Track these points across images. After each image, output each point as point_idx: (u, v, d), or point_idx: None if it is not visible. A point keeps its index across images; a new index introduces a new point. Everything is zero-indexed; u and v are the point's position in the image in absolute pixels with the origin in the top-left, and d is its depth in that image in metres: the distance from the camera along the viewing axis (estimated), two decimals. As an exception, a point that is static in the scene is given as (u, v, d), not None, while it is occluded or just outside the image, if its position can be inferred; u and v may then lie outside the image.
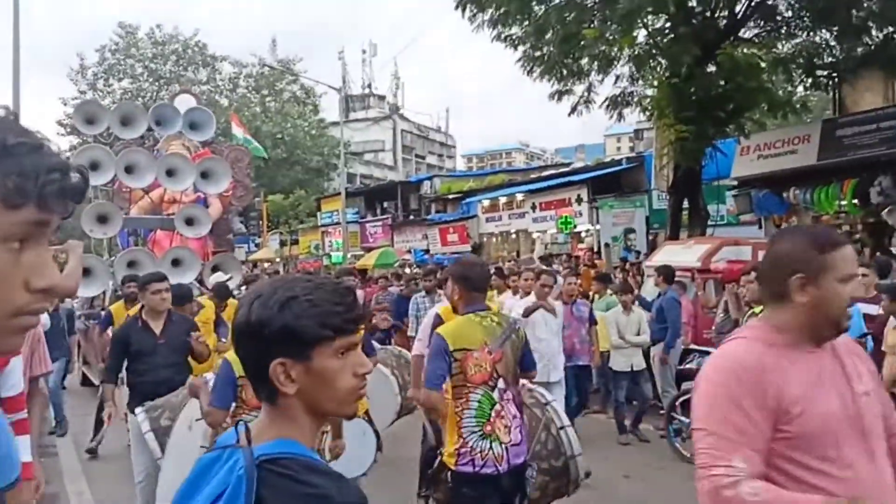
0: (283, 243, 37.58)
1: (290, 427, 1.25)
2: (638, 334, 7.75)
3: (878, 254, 10.29)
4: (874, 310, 6.12)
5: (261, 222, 36.66)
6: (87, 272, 9.28)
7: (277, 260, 34.00)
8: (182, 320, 5.33)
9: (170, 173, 10.45)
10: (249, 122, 35.95)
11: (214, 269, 10.07)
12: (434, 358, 3.45)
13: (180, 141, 11.93)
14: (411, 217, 30.53)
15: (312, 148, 42.36)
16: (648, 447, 7.42)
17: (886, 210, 11.75)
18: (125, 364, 5.13)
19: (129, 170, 10.33)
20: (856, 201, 12.34)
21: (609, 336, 7.81)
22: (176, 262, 9.90)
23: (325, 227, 34.17)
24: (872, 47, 11.94)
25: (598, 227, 19.49)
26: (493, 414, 3.40)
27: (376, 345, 6.25)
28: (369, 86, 57.94)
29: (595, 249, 19.00)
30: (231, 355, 3.48)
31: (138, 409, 4.73)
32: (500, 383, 3.45)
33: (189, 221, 10.56)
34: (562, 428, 4.33)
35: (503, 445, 3.39)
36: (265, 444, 1.20)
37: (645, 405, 7.88)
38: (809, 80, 13.24)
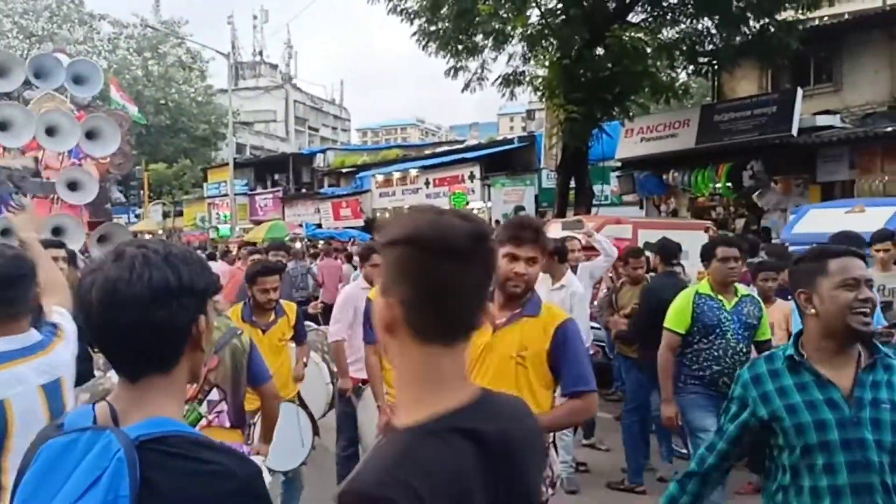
0: (166, 214, 35.86)
1: (166, 403, 1.13)
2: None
3: (749, 235, 10.91)
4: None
5: (142, 192, 34.79)
6: None
7: (160, 232, 32.35)
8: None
9: (50, 132, 9.32)
10: (130, 85, 33.91)
11: (101, 240, 9.21)
12: None
13: (54, 103, 10.84)
14: (303, 190, 29.82)
15: (199, 115, 40.48)
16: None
17: (757, 193, 12.49)
18: None
19: (2, 126, 9.16)
20: (729, 184, 13.03)
21: None
22: (57, 231, 8.82)
23: (212, 199, 32.85)
24: (750, 37, 12.57)
25: (489, 204, 19.71)
26: (197, 429, 3.07)
27: (310, 324, 5.84)
28: (260, 53, 55.82)
29: (486, 226, 19.22)
30: None
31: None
32: (214, 394, 3.06)
33: (72, 186, 9.49)
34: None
35: None
36: (137, 424, 1.07)
37: None
38: (691, 67, 13.81)
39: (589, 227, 6.48)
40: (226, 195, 29.68)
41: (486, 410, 1.07)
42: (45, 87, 10.49)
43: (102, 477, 1.01)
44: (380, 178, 24.33)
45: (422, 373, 1.06)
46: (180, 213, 35.63)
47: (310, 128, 55.22)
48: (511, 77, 13.66)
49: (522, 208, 18.80)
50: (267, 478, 2.87)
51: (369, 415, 4.45)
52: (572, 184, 13.41)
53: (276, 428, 3.77)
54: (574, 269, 6.06)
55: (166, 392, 1.14)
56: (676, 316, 4.28)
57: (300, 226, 25.55)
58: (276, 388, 3.39)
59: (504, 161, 20.05)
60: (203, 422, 2.98)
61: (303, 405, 4.49)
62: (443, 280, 1.03)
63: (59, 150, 9.85)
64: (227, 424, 3.09)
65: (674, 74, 13.96)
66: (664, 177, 14.13)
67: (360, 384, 4.63)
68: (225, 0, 78.26)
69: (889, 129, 11.22)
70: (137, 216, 34.48)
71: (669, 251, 5.63)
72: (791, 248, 6.63)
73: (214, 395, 3.07)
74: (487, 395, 1.10)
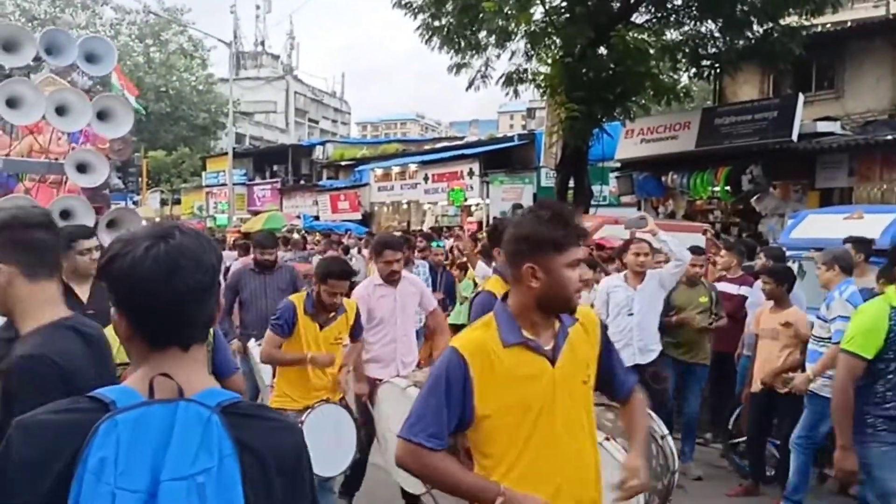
0: (164, 202, 35.79)
1: (206, 373, 1.28)
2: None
3: (743, 237, 10.93)
4: (734, 289, 6.46)
5: (140, 179, 34.71)
6: None
7: (157, 219, 32.32)
8: None
9: (60, 111, 8.75)
10: (131, 72, 33.81)
11: (111, 224, 9.00)
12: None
13: (54, 87, 10.62)
14: (302, 182, 29.78)
15: (199, 104, 40.38)
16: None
17: (755, 197, 12.49)
18: None
19: (11, 103, 8.60)
20: (728, 188, 13.04)
21: None
22: (65, 214, 8.30)
23: (210, 188, 32.80)
24: (753, 41, 12.56)
25: (487, 201, 19.70)
26: None
27: None
28: (262, 43, 55.67)
29: (484, 223, 19.22)
30: (109, 333, 2.89)
31: None
32: None
33: (81, 168, 9.31)
34: (663, 437, 3.51)
35: None
36: (203, 393, 1.18)
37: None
38: (693, 69, 13.80)
39: (653, 225, 5.58)
40: (224, 185, 29.63)
41: (80, 320, 1.85)
42: (57, 64, 10.11)
43: (205, 440, 1.10)
44: (379, 172, 24.29)
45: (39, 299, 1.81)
46: (178, 202, 35.57)
47: (310, 120, 55.11)
48: (514, 75, 13.64)
49: (521, 206, 18.78)
50: None
51: (384, 411, 4.34)
52: (571, 183, 13.40)
53: (313, 432, 3.60)
54: (641, 277, 5.45)
55: (203, 362, 1.27)
56: (865, 336, 3.32)
57: (298, 217, 25.53)
58: (242, 383, 3.28)
59: (503, 158, 20.04)
60: None
61: (347, 409, 4.22)
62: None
63: (70, 130, 9.51)
64: None
65: (676, 76, 13.95)
66: (663, 179, 14.14)
67: (378, 382, 4.50)
68: (228, -11, 78.04)
69: (889, 137, 11.23)
70: (135, 203, 34.36)
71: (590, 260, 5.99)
72: (788, 253, 6.64)
73: None
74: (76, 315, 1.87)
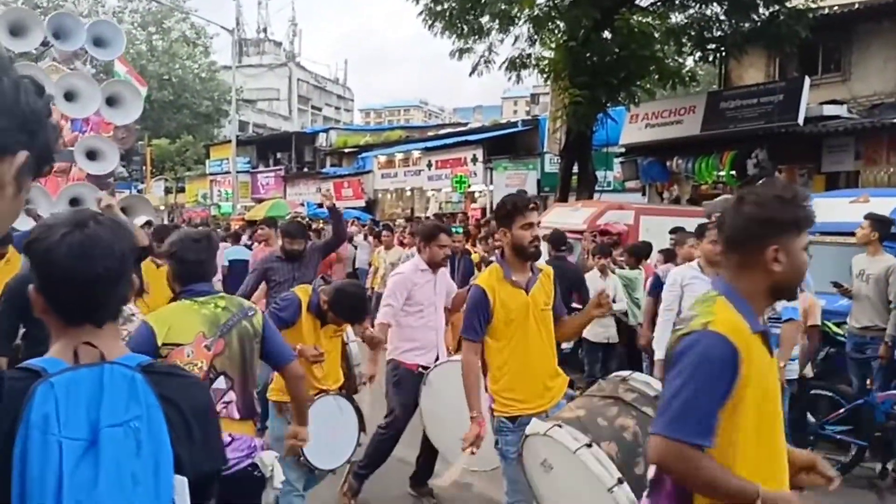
0: (168, 190, 35.82)
1: (121, 344, 1.41)
2: (614, 301, 6.84)
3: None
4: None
5: (144, 167, 34.71)
6: None
7: (162, 208, 32.39)
8: None
9: (69, 97, 8.74)
10: (134, 60, 33.66)
11: (122, 213, 8.91)
12: (138, 350, 2.77)
13: (58, 75, 10.39)
14: (305, 169, 29.73)
15: (202, 92, 40.28)
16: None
17: (761, 182, 12.40)
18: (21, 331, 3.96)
19: None
20: (733, 172, 12.96)
21: None
22: (74, 202, 8.41)
23: (214, 176, 32.77)
24: (758, 23, 12.44)
25: (491, 187, 19.63)
26: None
27: None
28: (265, 30, 55.47)
29: (488, 210, 19.18)
30: (156, 316, 2.79)
31: None
32: (221, 382, 2.76)
33: (91, 155, 8.98)
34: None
35: None
36: (123, 357, 1.33)
37: None
38: (698, 53, 13.69)
39: None
40: (228, 172, 29.62)
41: None
42: (65, 48, 9.85)
43: (132, 393, 1.25)
44: (382, 158, 24.23)
45: None
46: (182, 190, 35.58)
47: (313, 107, 54.98)
48: (517, 60, 13.56)
49: (524, 192, 18.73)
50: (279, 476, 2.72)
51: (436, 406, 4.23)
52: (575, 169, 13.35)
53: (313, 425, 3.49)
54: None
55: (116, 336, 1.40)
56: None
57: (301, 205, 25.48)
58: (300, 369, 3.09)
59: (507, 144, 19.96)
60: None
61: (349, 399, 4.09)
62: None
63: (79, 117, 9.35)
64: (236, 416, 2.78)
65: (681, 60, 13.85)
66: (668, 163, 14.06)
67: (421, 369, 4.51)
68: (230, -24, 77.51)
69: (895, 120, 11.15)
70: (140, 191, 34.40)
71: (557, 239, 6.03)
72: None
73: (221, 383, 2.77)
74: None
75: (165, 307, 2.92)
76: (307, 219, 20.63)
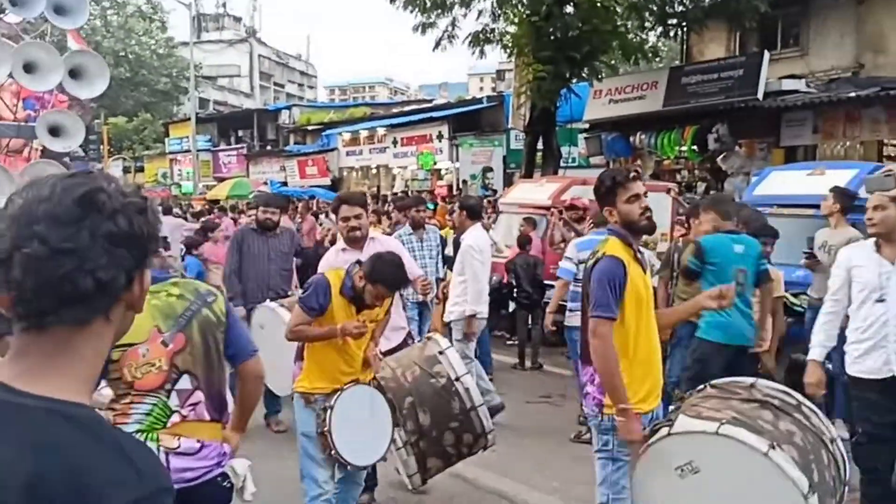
0: (126, 170, 34.99)
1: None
2: None
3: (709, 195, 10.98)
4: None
5: (101, 146, 33.88)
6: None
7: (120, 188, 31.64)
8: None
9: (29, 69, 8.17)
10: (88, 35, 32.69)
11: None
12: None
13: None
14: (268, 147, 29.32)
15: (159, 68, 39.35)
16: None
17: (721, 156, 12.57)
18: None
19: None
20: (695, 147, 13.10)
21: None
22: None
23: (174, 155, 32.19)
24: (719, -1, 12.53)
25: (457, 164, 19.59)
26: (169, 425, 2.39)
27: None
28: (224, 5, 54.27)
29: (454, 187, 19.15)
30: None
31: None
32: (185, 381, 2.39)
33: (54, 131, 8.44)
34: (457, 379, 3.92)
35: (163, 450, 2.34)
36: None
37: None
38: (660, 28, 13.74)
39: None
40: (188, 151, 29.08)
41: None
42: (23, 15, 9.29)
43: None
44: (347, 136, 23.99)
45: None
46: (141, 170, 34.84)
47: (275, 84, 54.10)
48: (481, 35, 13.46)
49: (490, 169, 18.73)
50: (250, 487, 2.48)
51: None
52: (540, 145, 13.36)
53: (346, 416, 3.29)
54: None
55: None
56: None
57: (265, 183, 25.14)
58: (262, 367, 2.68)
59: (473, 121, 19.90)
60: (175, 417, 2.38)
61: (379, 388, 3.72)
62: None
63: (40, 90, 8.88)
64: (207, 417, 2.45)
65: (643, 36, 13.88)
66: (631, 139, 14.15)
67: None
68: (187, -51, 75.47)
69: (852, 94, 11.33)
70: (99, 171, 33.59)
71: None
72: (753, 210, 6.69)
73: (185, 382, 2.40)
74: None
75: None
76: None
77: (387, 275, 3.38)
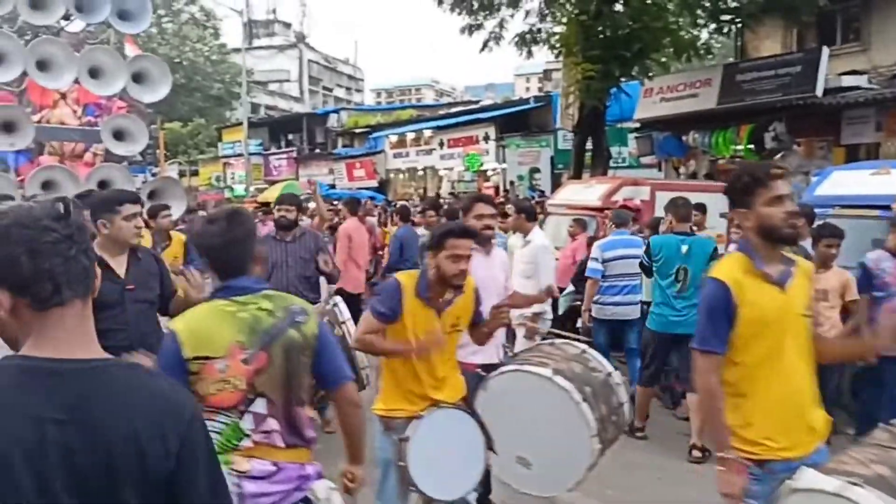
0: (182, 174, 35.85)
1: None
2: None
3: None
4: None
5: (158, 151, 34.79)
6: None
7: (175, 192, 32.46)
8: (148, 254, 3.77)
9: (94, 74, 8.42)
10: (145, 43, 33.63)
11: (152, 196, 8.40)
12: (164, 369, 2.16)
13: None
14: (317, 150, 29.71)
15: (213, 74, 40.22)
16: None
17: (779, 155, 12.20)
18: None
19: (42, 66, 8.22)
20: (751, 146, 12.75)
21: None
22: (103, 185, 8.06)
23: (227, 159, 32.85)
24: (775, -6, 12.17)
25: (504, 165, 19.51)
26: (241, 448, 2.20)
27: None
28: (274, 11, 55.19)
29: (501, 188, 19.07)
30: (183, 321, 2.26)
31: None
32: (259, 405, 2.20)
33: (118, 135, 8.64)
34: (609, 374, 3.70)
35: (234, 474, 2.16)
36: None
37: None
38: (714, 24, 13.42)
39: None
40: (240, 155, 29.65)
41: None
42: (88, 21, 9.41)
43: None
44: (393, 138, 24.13)
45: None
46: (196, 173, 35.67)
47: (324, 88, 54.77)
48: (528, 35, 13.38)
49: (538, 170, 18.60)
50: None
51: (493, 417, 3.30)
52: (589, 145, 13.19)
53: (427, 447, 2.99)
54: None
55: None
56: None
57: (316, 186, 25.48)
58: (356, 394, 2.43)
59: (520, 122, 19.79)
60: (246, 441, 2.19)
61: (471, 411, 3.30)
62: None
63: (105, 94, 9.05)
64: (281, 445, 2.23)
65: (696, 32, 13.59)
66: (684, 138, 13.86)
67: (479, 370, 3.73)
68: (238, -44, 77.16)
69: (918, 89, 10.89)
70: (154, 175, 34.48)
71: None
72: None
73: (259, 406, 2.20)
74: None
75: (195, 308, 2.31)
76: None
77: (449, 226, 3.17)
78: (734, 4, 12.87)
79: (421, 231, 10.10)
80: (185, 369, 2.12)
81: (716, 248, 5.48)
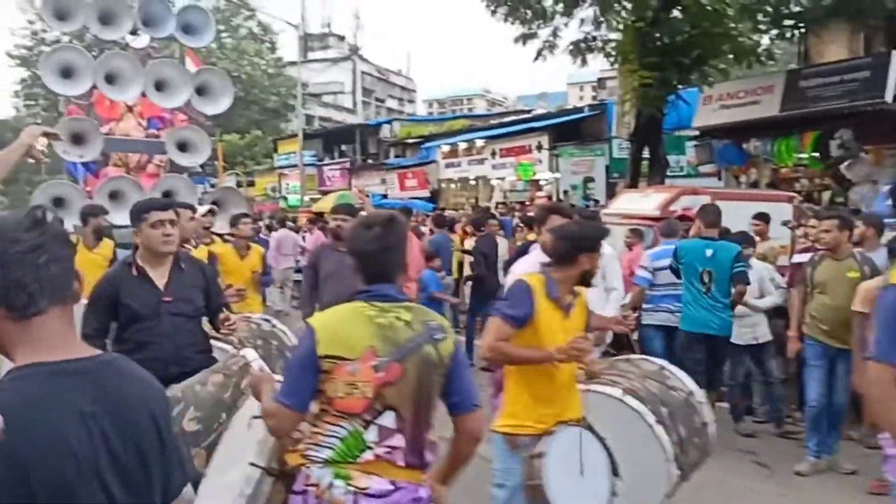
0: (239, 184, 36.62)
1: None
2: (761, 296, 6.16)
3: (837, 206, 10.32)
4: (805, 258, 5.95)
5: (216, 162, 35.68)
6: (59, 202, 7.98)
7: (234, 202, 33.16)
8: (193, 265, 3.70)
9: (159, 86, 8.71)
10: (205, 58, 34.53)
11: (215, 205, 8.53)
12: (297, 363, 2.19)
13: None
14: (370, 161, 29.99)
15: (269, 87, 41.14)
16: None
17: (846, 164, 11.77)
18: (112, 333, 3.47)
19: (110, 79, 8.53)
20: (816, 154, 12.33)
21: None
22: (167, 195, 8.32)
23: (282, 170, 33.42)
24: (840, -3, 11.79)
25: (557, 174, 19.34)
26: (360, 461, 2.12)
27: None
28: (328, 25, 56.20)
29: (554, 197, 18.89)
30: (322, 317, 2.27)
31: None
32: (388, 419, 2.12)
33: (182, 147, 8.92)
34: (691, 394, 3.48)
35: (353, 490, 2.09)
36: None
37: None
38: (776, 30, 13.06)
39: None
40: (295, 166, 30.13)
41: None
42: (154, 35, 9.79)
43: None
44: (445, 148, 24.19)
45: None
46: (252, 184, 36.39)
47: (377, 99, 55.39)
48: (582, 44, 13.24)
49: (592, 179, 18.38)
50: None
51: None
52: (646, 154, 12.96)
53: (561, 465, 2.85)
54: None
55: None
56: None
57: (366, 196, 25.71)
58: (482, 425, 2.31)
59: (573, 131, 19.60)
60: (368, 454, 2.11)
61: (591, 429, 3.08)
62: None
63: (170, 106, 9.29)
64: (401, 463, 2.15)
65: (757, 38, 13.24)
66: (745, 146, 13.48)
67: None
68: (294, -28, 78.92)
69: None
70: (213, 185, 35.35)
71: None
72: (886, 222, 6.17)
73: (388, 420, 2.13)
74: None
75: (334, 307, 2.27)
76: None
77: (587, 238, 3.04)
78: (797, 9, 12.50)
79: (469, 243, 10.09)
80: (317, 366, 2.10)
81: (739, 253, 5.68)
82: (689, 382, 3.55)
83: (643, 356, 3.91)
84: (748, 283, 5.62)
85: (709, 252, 5.63)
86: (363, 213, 3.20)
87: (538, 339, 2.91)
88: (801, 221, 7.64)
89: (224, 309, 3.71)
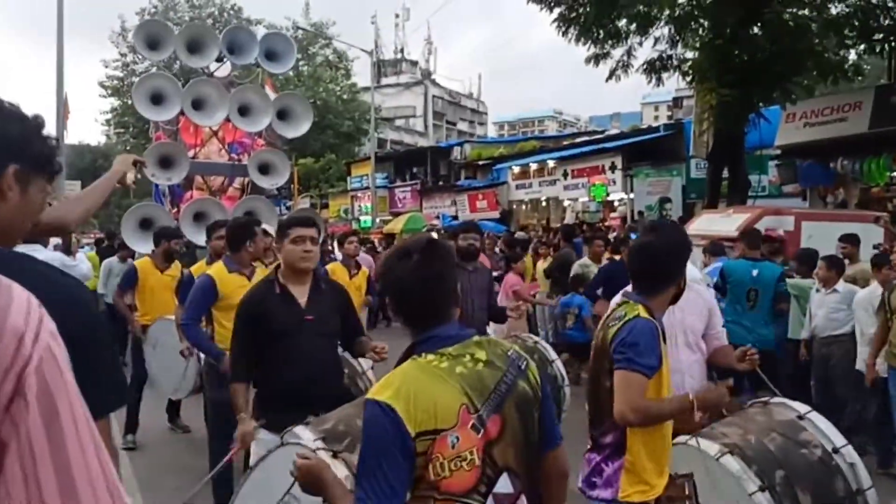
0: (313, 206, 37.58)
1: None
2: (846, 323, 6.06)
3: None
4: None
5: (292, 185, 36.69)
6: (147, 224, 8.36)
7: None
8: (332, 286, 3.68)
9: (243, 111, 9.07)
10: (283, 86, 35.75)
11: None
12: (380, 454, 1.64)
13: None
14: (440, 183, 30.21)
15: (344, 113, 42.09)
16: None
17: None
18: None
19: (196, 105, 8.90)
20: (909, 173, 11.74)
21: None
22: (249, 215, 8.38)
23: (355, 192, 34.07)
24: (934, 8, 11.21)
25: (631, 195, 18.98)
26: None
27: None
28: (401, 50, 57.24)
29: (628, 219, 18.55)
30: (394, 390, 1.70)
31: (301, 430, 2.67)
32: (504, 484, 1.74)
33: (264, 169, 9.24)
34: (835, 451, 2.98)
35: None
36: None
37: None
38: (863, 44, 12.52)
39: None
40: (367, 188, 30.68)
41: None
42: (239, 62, 10.17)
43: None
44: (516, 169, 24.13)
45: None
46: (326, 206, 37.21)
47: (448, 122, 55.95)
48: (657, 63, 13.01)
49: (668, 199, 17.96)
50: None
51: None
52: (725, 174, 12.58)
53: None
54: None
55: None
56: None
57: (437, 217, 25.90)
58: (567, 461, 1.97)
59: (648, 151, 19.22)
60: None
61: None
62: None
63: (252, 130, 9.61)
64: None
65: (843, 53, 12.71)
66: (831, 165, 12.93)
67: None
68: (369, 0, 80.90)
69: None
70: (288, 208, 36.37)
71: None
72: None
73: (505, 484, 1.74)
74: None
75: (398, 371, 1.76)
76: (442, 231, 20.90)
77: (675, 253, 2.58)
78: (887, 22, 11.95)
79: (541, 265, 9.94)
80: (410, 452, 1.64)
81: (783, 273, 6.23)
82: (834, 437, 3.04)
83: (783, 400, 3.33)
84: (789, 302, 6.25)
85: (754, 272, 6.15)
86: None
87: (660, 387, 2.44)
88: (894, 243, 7.25)
89: (361, 333, 3.68)
